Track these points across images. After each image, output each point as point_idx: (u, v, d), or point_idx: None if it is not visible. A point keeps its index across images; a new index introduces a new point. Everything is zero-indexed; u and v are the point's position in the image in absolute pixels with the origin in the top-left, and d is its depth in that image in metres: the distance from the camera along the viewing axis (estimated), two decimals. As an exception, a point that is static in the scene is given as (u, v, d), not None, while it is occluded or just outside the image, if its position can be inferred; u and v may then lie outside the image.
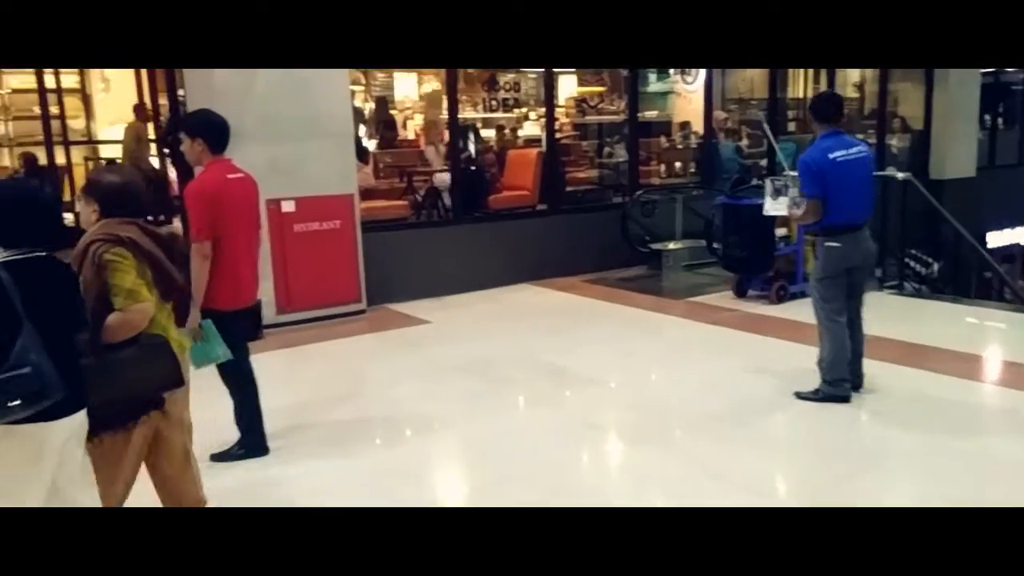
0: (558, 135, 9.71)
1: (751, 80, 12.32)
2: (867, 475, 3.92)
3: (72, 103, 10.50)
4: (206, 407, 3.87)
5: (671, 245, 8.91)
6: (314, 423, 4.65)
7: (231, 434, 4.16)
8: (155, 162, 9.57)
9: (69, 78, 10.33)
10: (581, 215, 8.95)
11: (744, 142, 11.16)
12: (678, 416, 4.75)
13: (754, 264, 7.21)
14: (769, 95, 10.67)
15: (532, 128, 11.36)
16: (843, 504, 3.48)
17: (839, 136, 4.61)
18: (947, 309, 7.34)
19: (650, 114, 11.33)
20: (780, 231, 7.13)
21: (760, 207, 7.03)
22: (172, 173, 8.53)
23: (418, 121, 11.24)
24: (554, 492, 3.73)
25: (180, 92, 7.34)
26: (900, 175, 7.84)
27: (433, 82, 11.92)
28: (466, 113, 10.13)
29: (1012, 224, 12.56)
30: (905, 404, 4.69)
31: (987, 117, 12.84)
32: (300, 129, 6.50)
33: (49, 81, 9.09)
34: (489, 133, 10.64)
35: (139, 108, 9.77)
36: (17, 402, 2.23)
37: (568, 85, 11.74)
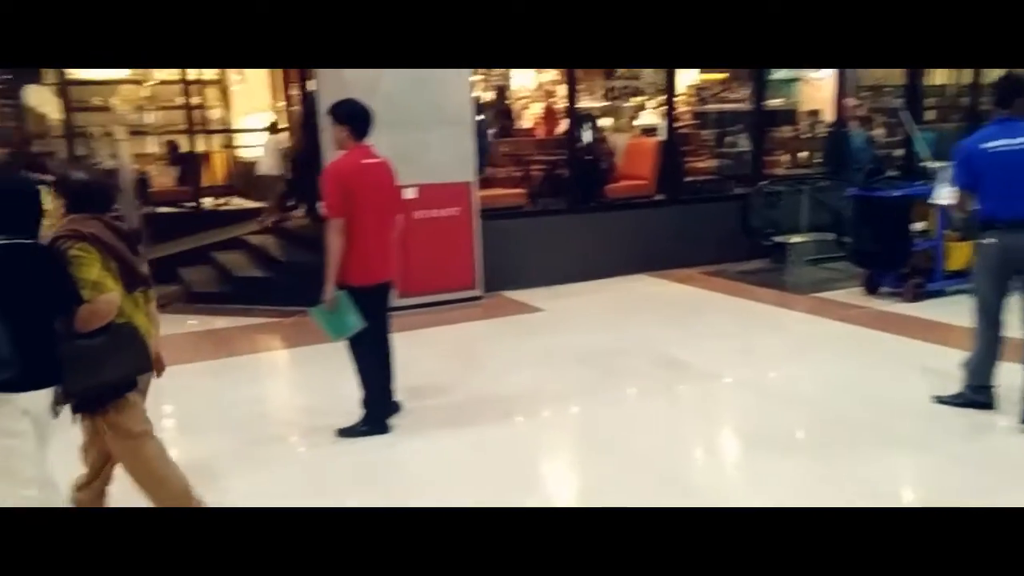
0: (677, 124, 9.48)
1: (887, 65, 11.63)
2: (1011, 489, 3.63)
3: (211, 94, 11.13)
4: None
5: (795, 238, 8.53)
6: (430, 406, 4.75)
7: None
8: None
9: (210, 71, 10.94)
10: (700, 206, 8.73)
11: (878, 131, 10.56)
12: (799, 415, 4.55)
13: (887, 259, 6.83)
14: (907, 82, 10.03)
15: (650, 117, 11.16)
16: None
17: (1009, 124, 4.17)
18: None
19: (775, 102, 10.91)
20: (918, 225, 6.71)
21: (896, 199, 6.73)
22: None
23: (535, 110, 11.26)
24: (663, 486, 3.66)
25: (311, 83, 7.63)
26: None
27: (551, 72, 11.92)
28: (583, 102, 10.05)
29: None
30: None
31: None
32: (423, 118, 6.64)
33: (191, 74, 9.66)
34: (606, 122, 10.52)
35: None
36: None
37: (688, 73, 11.44)
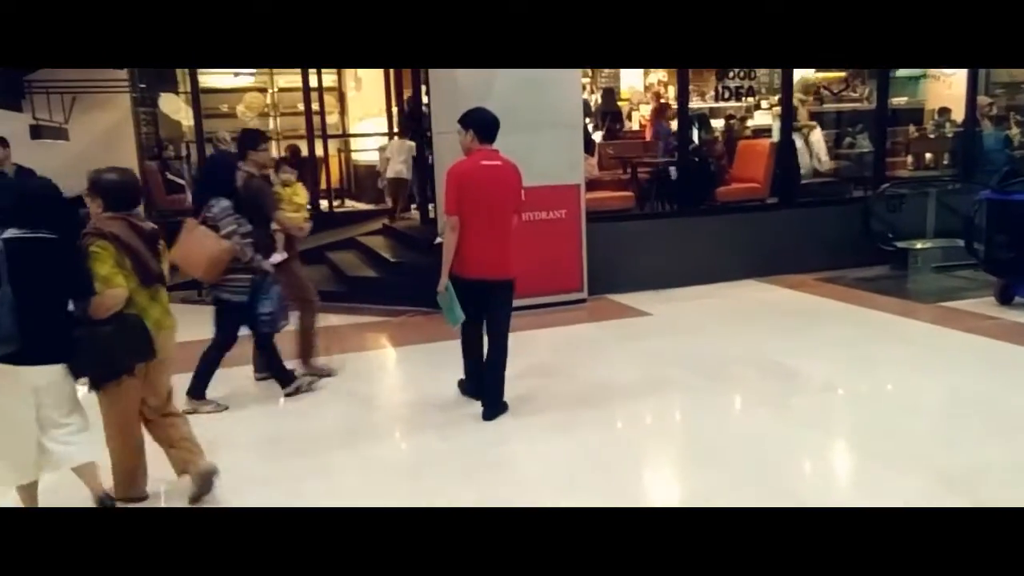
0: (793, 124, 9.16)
1: (1026, 60, 10.86)
2: None
3: (329, 100, 11.59)
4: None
5: (920, 244, 8.11)
6: (535, 408, 4.76)
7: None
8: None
9: (328, 78, 11.41)
10: (816, 209, 8.41)
11: (1014, 131, 9.87)
12: (919, 430, 4.31)
13: (1023, 267, 6.37)
14: (1048, 77, 9.34)
15: (763, 117, 10.83)
16: None
17: None
18: None
19: (899, 100, 10.38)
20: (1059, 231, 6.24)
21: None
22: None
23: (644, 112, 11.14)
24: (771, 500, 3.53)
25: (424, 89, 7.82)
26: None
27: (660, 72, 11.76)
28: (694, 103, 9.86)
29: None
30: None
31: None
32: (533, 120, 6.68)
33: (312, 81, 10.09)
34: (718, 123, 10.29)
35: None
36: None
37: (805, 71, 11.04)
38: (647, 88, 11.70)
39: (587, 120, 8.86)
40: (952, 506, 3.42)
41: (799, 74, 9.92)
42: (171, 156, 10.56)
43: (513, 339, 5.73)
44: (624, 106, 11.33)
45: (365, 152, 11.78)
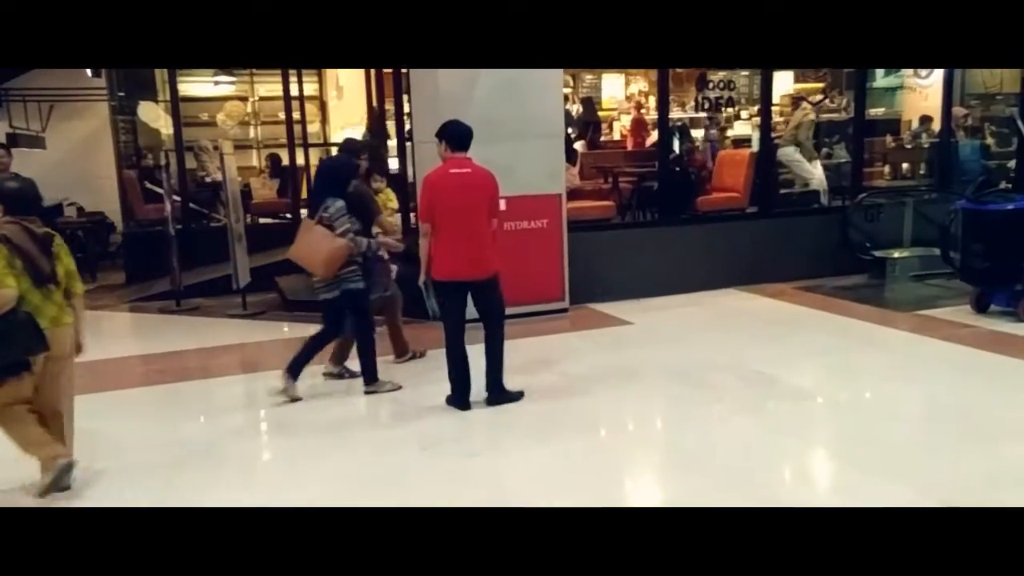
0: (772, 134, 9.26)
1: (999, 73, 11.04)
2: None
3: (311, 109, 11.54)
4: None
5: (897, 253, 8.21)
6: (517, 416, 4.77)
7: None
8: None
9: (309, 86, 11.36)
10: (795, 219, 8.48)
11: (990, 141, 10.03)
12: (898, 438, 4.34)
13: (999, 276, 6.46)
14: (1022, 88, 9.49)
15: (743, 127, 10.94)
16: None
17: None
18: None
19: (876, 111, 10.51)
20: (1033, 239, 6.33)
21: (1009, 213, 6.37)
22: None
23: (624, 122, 11.22)
24: (745, 505, 3.55)
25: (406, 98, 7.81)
26: None
27: (640, 82, 11.85)
28: (674, 113, 9.94)
29: None
30: None
31: None
32: (514, 131, 6.70)
33: (293, 89, 10.04)
34: (698, 133, 10.38)
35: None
36: None
37: (784, 82, 11.17)
38: (628, 97, 11.79)
39: (569, 130, 8.90)
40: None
41: (778, 84, 10.03)
42: (150, 165, 10.47)
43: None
44: (605, 116, 11.40)
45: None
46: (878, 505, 3.51)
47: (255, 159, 11.97)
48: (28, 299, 3.57)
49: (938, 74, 9.88)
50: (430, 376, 5.33)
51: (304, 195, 10.32)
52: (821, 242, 8.21)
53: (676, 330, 6.70)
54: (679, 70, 10.15)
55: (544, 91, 6.89)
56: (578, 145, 9.83)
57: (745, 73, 10.91)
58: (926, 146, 9.97)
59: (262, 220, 10.26)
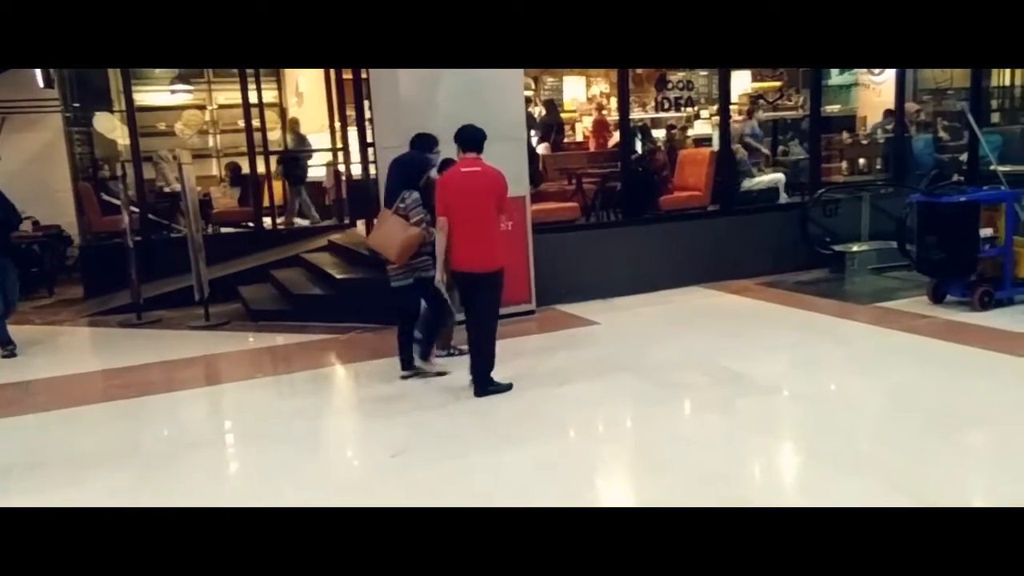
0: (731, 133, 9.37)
1: (950, 69, 11.32)
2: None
3: (271, 116, 11.42)
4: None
5: (856, 247, 8.36)
6: (486, 420, 4.77)
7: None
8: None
9: (268, 93, 11.24)
10: (756, 216, 8.60)
11: (941, 135, 10.27)
12: (862, 429, 4.43)
13: (954, 267, 6.61)
14: (972, 84, 9.74)
15: (703, 127, 11.07)
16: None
17: None
18: None
19: (832, 108, 10.71)
20: (986, 231, 6.49)
21: (962, 205, 6.53)
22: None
23: (587, 123, 11.28)
24: (721, 504, 3.59)
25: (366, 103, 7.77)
26: None
27: (602, 84, 11.93)
28: (635, 114, 10.03)
29: None
30: None
31: None
32: (476, 134, 6.69)
33: (251, 97, 9.93)
34: (659, 133, 10.48)
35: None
36: None
37: (742, 81, 11.34)
38: (590, 99, 11.86)
39: (531, 132, 8.92)
40: (896, 505, 3.51)
41: (736, 84, 10.17)
42: (107, 176, 10.27)
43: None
44: (567, 118, 11.45)
45: (309, 168, 11.62)
46: (849, 499, 3.57)
47: (215, 168, 11.81)
48: None
49: (891, 71, 10.10)
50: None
51: (265, 203, 10.25)
52: (782, 238, 8.33)
53: (643, 329, 6.75)
54: (639, 71, 10.24)
55: (505, 94, 6.90)
56: (541, 148, 9.87)
57: (704, 73, 11.05)
58: (881, 141, 10.18)
59: (223, 229, 10.13)
